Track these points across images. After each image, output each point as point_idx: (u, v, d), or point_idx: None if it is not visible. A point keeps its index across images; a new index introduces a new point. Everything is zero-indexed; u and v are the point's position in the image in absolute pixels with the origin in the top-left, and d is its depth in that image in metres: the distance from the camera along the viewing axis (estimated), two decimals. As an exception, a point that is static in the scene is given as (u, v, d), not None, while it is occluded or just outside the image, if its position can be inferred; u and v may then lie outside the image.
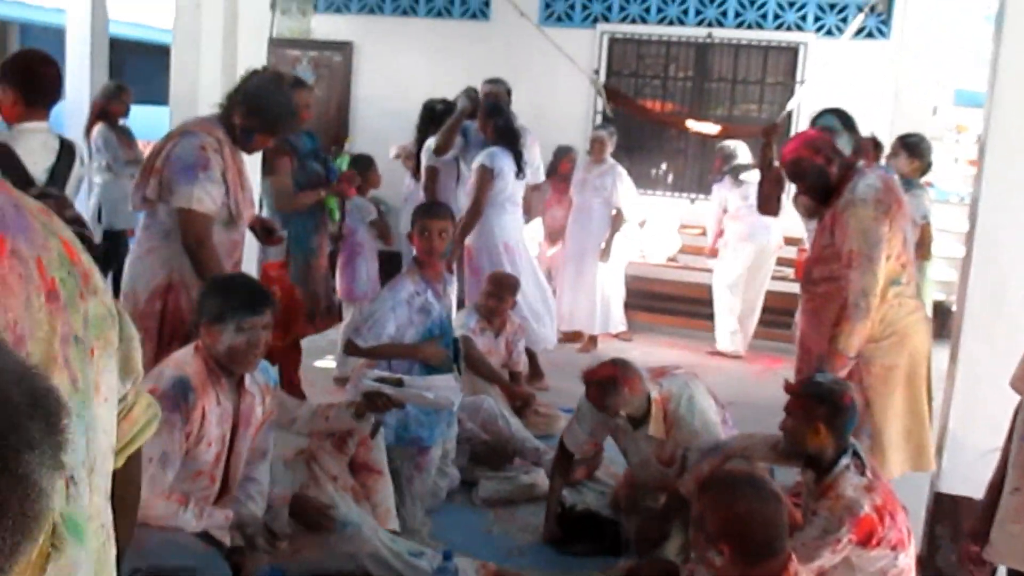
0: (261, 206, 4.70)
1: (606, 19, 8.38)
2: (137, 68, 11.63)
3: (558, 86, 8.14)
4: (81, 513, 1.03)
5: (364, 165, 5.66)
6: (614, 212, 6.69)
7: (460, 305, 5.32)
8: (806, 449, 2.91)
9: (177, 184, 3.31)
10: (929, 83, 7.27)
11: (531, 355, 5.51)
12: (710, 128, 7.27)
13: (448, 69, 7.88)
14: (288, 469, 3.41)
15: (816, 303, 3.53)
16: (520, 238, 5.69)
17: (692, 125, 7.43)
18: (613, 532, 3.66)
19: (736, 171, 6.77)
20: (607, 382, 3.40)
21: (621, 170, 6.72)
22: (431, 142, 5.82)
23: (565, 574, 3.52)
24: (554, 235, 7.31)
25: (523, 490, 4.06)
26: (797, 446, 2.95)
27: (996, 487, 2.43)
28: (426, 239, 3.73)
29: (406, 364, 3.73)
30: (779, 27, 8.12)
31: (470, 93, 5.98)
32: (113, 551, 1.11)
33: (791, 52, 8.17)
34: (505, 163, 5.38)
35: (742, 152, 6.89)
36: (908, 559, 2.82)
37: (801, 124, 6.89)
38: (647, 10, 8.32)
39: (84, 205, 6.66)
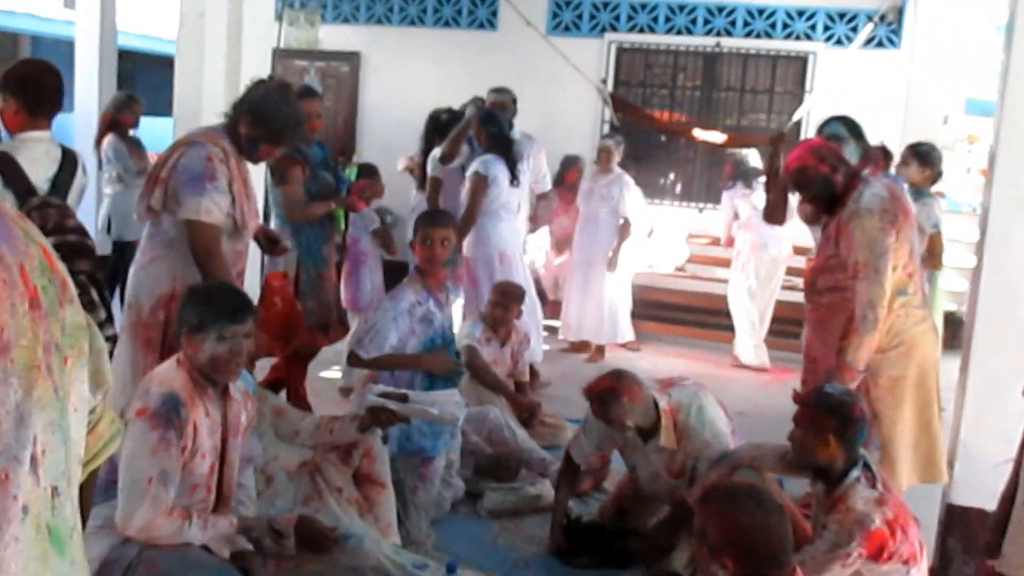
0: (268, 216, 4.69)
1: (614, 28, 8.37)
2: (147, 79, 11.69)
3: (565, 96, 8.14)
4: (65, 524, 1.02)
5: (368, 174, 5.66)
6: (621, 221, 6.67)
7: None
8: (816, 461, 2.87)
9: (184, 196, 3.30)
10: (939, 92, 7.23)
11: None
12: (717, 137, 7.25)
13: (456, 79, 7.89)
14: (292, 481, 3.38)
15: (821, 313, 3.50)
16: (517, 246, 5.66)
17: (699, 134, 7.41)
18: (619, 544, 3.62)
19: (748, 175, 6.73)
20: (606, 394, 3.37)
21: (628, 179, 6.70)
22: (437, 152, 5.81)
23: (571, 586, 3.49)
24: (561, 244, 7.29)
25: (528, 501, 4.02)
26: (806, 458, 2.91)
27: (1008, 499, 2.40)
28: (428, 247, 3.71)
29: (408, 375, 3.71)
30: (788, 36, 8.10)
31: (477, 102, 5.99)
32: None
33: (800, 61, 8.14)
34: (499, 170, 5.36)
35: (753, 160, 6.87)
36: (920, 573, 2.78)
37: (810, 133, 6.87)
38: (655, 19, 8.32)
39: (93, 216, 6.68)
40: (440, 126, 6.04)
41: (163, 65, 11.32)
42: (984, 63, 7.81)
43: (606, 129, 8.17)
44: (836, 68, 7.71)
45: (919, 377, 3.39)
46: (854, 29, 7.85)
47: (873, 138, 4.50)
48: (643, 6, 8.32)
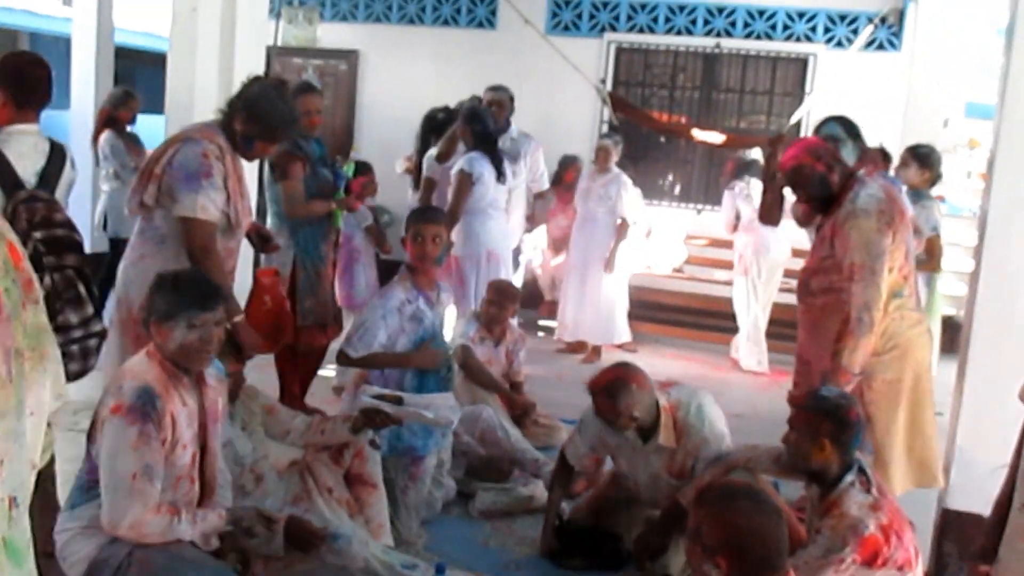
0: (264, 214, 4.66)
1: (613, 28, 8.35)
2: (147, 78, 11.65)
3: (564, 95, 8.12)
4: (22, 536, 0.98)
5: (363, 172, 5.63)
6: (619, 222, 6.64)
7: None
8: (810, 465, 2.84)
9: (180, 192, 3.28)
10: (940, 95, 7.21)
11: None
12: (716, 138, 7.23)
13: (454, 78, 7.87)
14: (282, 480, 3.35)
15: (815, 315, 3.46)
16: (505, 245, 5.62)
17: (698, 134, 7.39)
18: (611, 546, 3.58)
19: (753, 167, 6.68)
20: (616, 384, 3.32)
21: (626, 179, 6.67)
22: (433, 151, 5.78)
23: (562, 588, 3.46)
24: (558, 244, 7.26)
25: (521, 502, 3.99)
26: (801, 461, 2.88)
27: (1003, 504, 2.36)
28: (419, 244, 3.67)
29: (398, 373, 3.68)
30: (788, 38, 8.08)
31: (473, 101, 5.95)
32: None
33: (800, 63, 8.12)
34: (484, 168, 5.32)
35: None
36: (915, 579, 2.74)
37: (809, 135, 6.83)
38: (655, 19, 8.29)
39: (89, 212, 6.65)
40: (436, 125, 6.02)
41: (163, 64, 11.29)
42: (985, 67, 7.80)
43: (604, 129, 8.15)
44: (836, 70, 7.69)
45: (914, 381, 3.36)
46: (855, 31, 7.83)
47: (873, 141, 4.47)
48: (643, 6, 8.30)
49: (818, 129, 4.00)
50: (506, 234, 5.62)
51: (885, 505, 2.76)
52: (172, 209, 3.32)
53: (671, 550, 3.41)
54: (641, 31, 8.33)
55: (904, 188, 4.96)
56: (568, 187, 7.07)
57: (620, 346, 6.97)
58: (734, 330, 6.97)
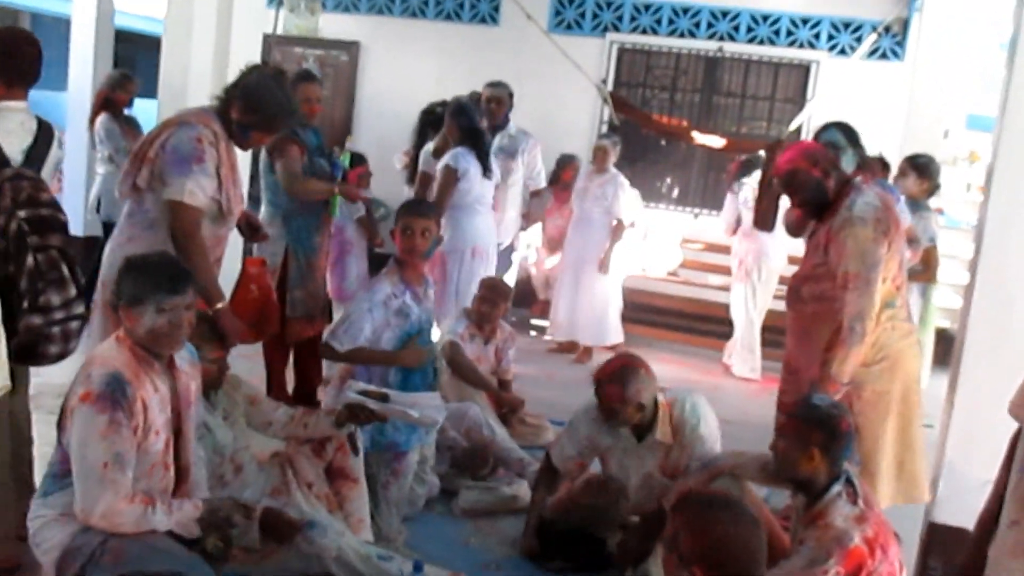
0: (258, 202, 4.61)
1: (616, 28, 8.32)
2: (149, 62, 11.59)
3: (565, 94, 8.09)
4: None
5: (357, 163, 5.58)
6: (614, 222, 6.60)
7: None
8: (798, 474, 2.80)
9: (170, 175, 3.24)
10: (941, 107, 7.19)
11: None
12: (716, 141, 7.18)
13: (455, 72, 7.84)
14: (262, 472, 3.31)
15: (805, 323, 3.43)
16: (491, 241, 5.56)
17: (698, 137, 7.34)
18: (593, 548, 3.55)
19: (758, 162, 6.62)
20: (626, 370, 3.33)
21: (623, 180, 6.64)
22: (430, 146, 5.73)
23: (542, 590, 3.43)
24: (553, 243, 7.23)
25: (504, 502, 3.96)
26: (788, 470, 2.84)
27: (986, 521, 2.33)
28: (408, 237, 3.63)
29: (382, 368, 3.63)
30: (791, 44, 8.06)
31: (472, 96, 5.90)
32: None
33: (802, 70, 8.09)
34: (470, 163, 5.27)
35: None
36: (899, 593, 2.71)
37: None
38: (658, 21, 8.26)
39: (83, 196, 6.60)
40: (434, 120, 5.97)
41: (162, 47, 11.23)
42: (987, 79, 7.77)
43: (604, 129, 8.12)
44: (838, 78, 7.66)
45: (903, 392, 3.33)
46: (858, 39, 7.81)
47: (873, 149, 4.43)
48: (646, 7, 8.27)
49: (818, 135, 3.96)
50: (492, 230, 5.57)
51: (871, 517, 2.72)
52: (161, 192, 3.28)
53: (653, 556, 3.38)
54: (644, 32, 8.30)
55: (902, 198, 4.93)
56: (565, 186, 7.03)
57: (612, 348, 6.94)
58: (727, 335, 6.95)
